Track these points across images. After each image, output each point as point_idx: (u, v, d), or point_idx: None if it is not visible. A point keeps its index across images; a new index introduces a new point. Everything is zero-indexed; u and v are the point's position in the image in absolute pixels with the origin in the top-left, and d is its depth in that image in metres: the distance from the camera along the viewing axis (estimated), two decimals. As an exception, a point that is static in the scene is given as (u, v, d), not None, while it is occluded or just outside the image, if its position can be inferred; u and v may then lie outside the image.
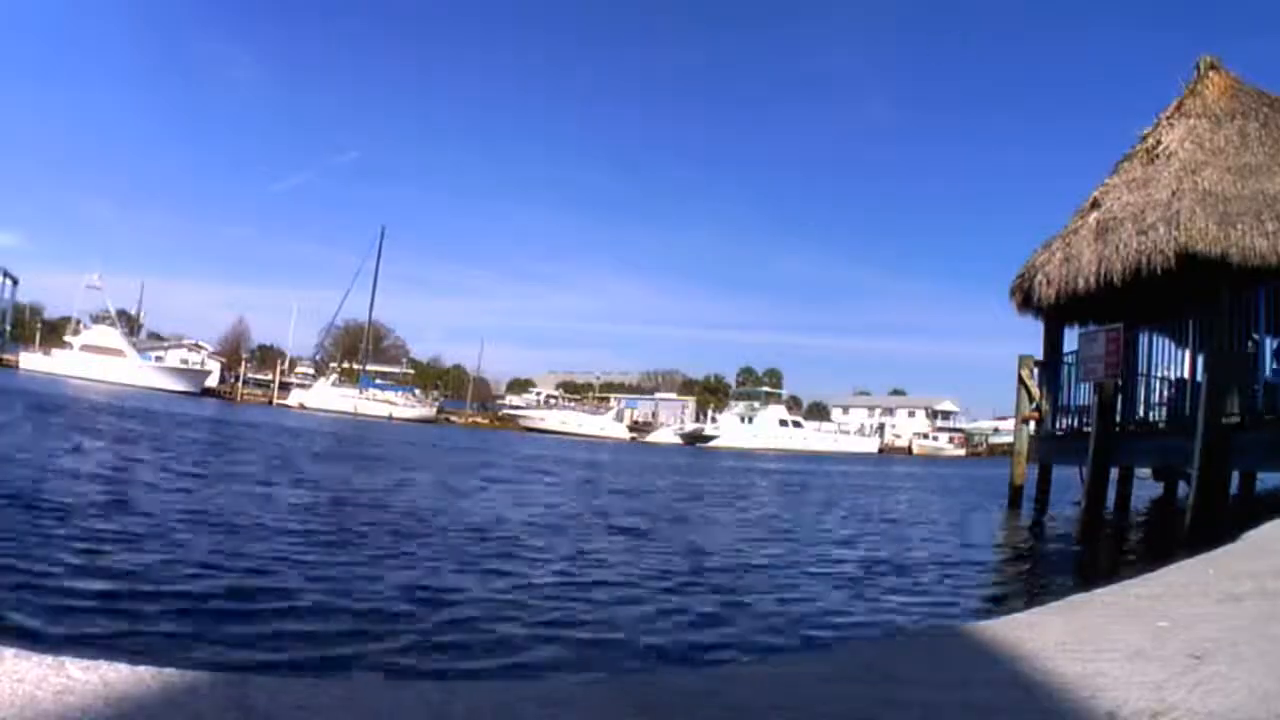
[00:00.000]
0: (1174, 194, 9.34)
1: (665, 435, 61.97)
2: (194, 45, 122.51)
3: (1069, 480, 10.78)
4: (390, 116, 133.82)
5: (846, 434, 70.89)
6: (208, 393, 51.80)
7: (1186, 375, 9.26)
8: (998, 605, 5.80)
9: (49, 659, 1.12)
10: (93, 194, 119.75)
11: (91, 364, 48.38)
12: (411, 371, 74.43)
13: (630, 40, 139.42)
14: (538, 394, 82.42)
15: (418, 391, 65.55)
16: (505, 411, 68.84)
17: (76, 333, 52.17)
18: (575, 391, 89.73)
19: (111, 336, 51.50)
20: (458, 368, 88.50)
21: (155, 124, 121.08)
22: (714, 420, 64.24)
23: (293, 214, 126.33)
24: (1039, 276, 10.65)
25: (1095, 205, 10.53)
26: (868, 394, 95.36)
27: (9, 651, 1.12)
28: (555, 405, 72.66)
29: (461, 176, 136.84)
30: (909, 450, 69.39)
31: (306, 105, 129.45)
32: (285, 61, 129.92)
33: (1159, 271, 8.96)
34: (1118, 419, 9.58)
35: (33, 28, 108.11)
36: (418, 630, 4.07)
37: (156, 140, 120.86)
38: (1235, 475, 9.27)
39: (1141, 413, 10.01)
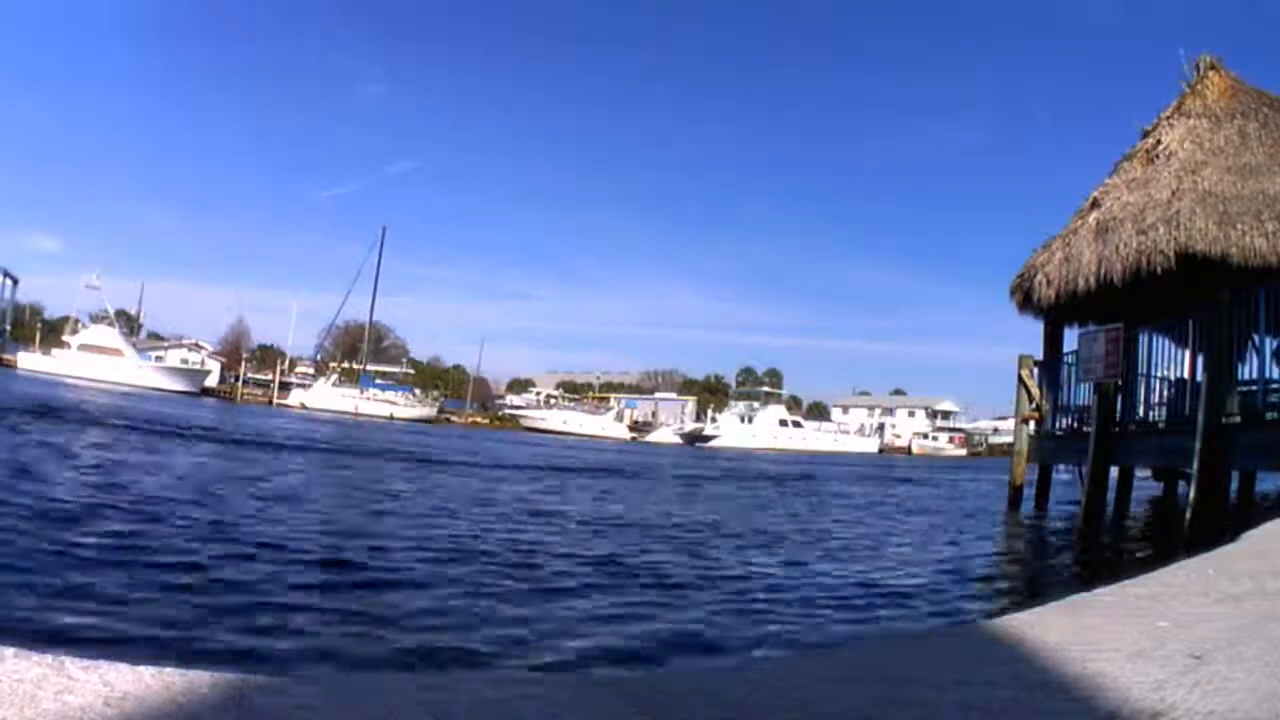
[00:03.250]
0: (1174, 194, 9.34)
1: (665, 435, 62.00)
2: (330, 58, 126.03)
3: (1069, 480, 10.78)
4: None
5: (846, 434, 70.89)
6: (207, 392, 51.80)
7: (1186, 375, 9.26)
8: (997, 605, 5.80)
9: (49, 658, 1.12)
10: (135, 203, 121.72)
11: (90, 364, 48.36)
12: (412, 371, 74.44)
13: (629, 41, 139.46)
14: (538, 394, 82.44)
15: (418, 391, 65.57)
16: (506, 411, 68.90)
17: (75, 332, 52.16)
18: (575, 391, 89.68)
19: (110, 336, 51.50)
20: (458, 368, 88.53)
21: (215, 136, 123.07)
22: (714, 420, 64.27)
23: (305, 216, 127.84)
24: (1039, 276, 10.66)
25: (1095, 205, 10.53)
26: (868, 394, 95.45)
27: (9, 651, 1.12)
28: (555, 405, 72.70)
29: (462, 178, 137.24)
30: (909, 450, 69.40)
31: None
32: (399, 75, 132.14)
33: (1159, 271, 8.96)
34: (1118, 419, 9.58)
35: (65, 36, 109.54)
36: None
37: (207, 150, 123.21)
38: (1235, 475, 9.28)
39: (1141, 413, 10.01)
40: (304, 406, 51.68)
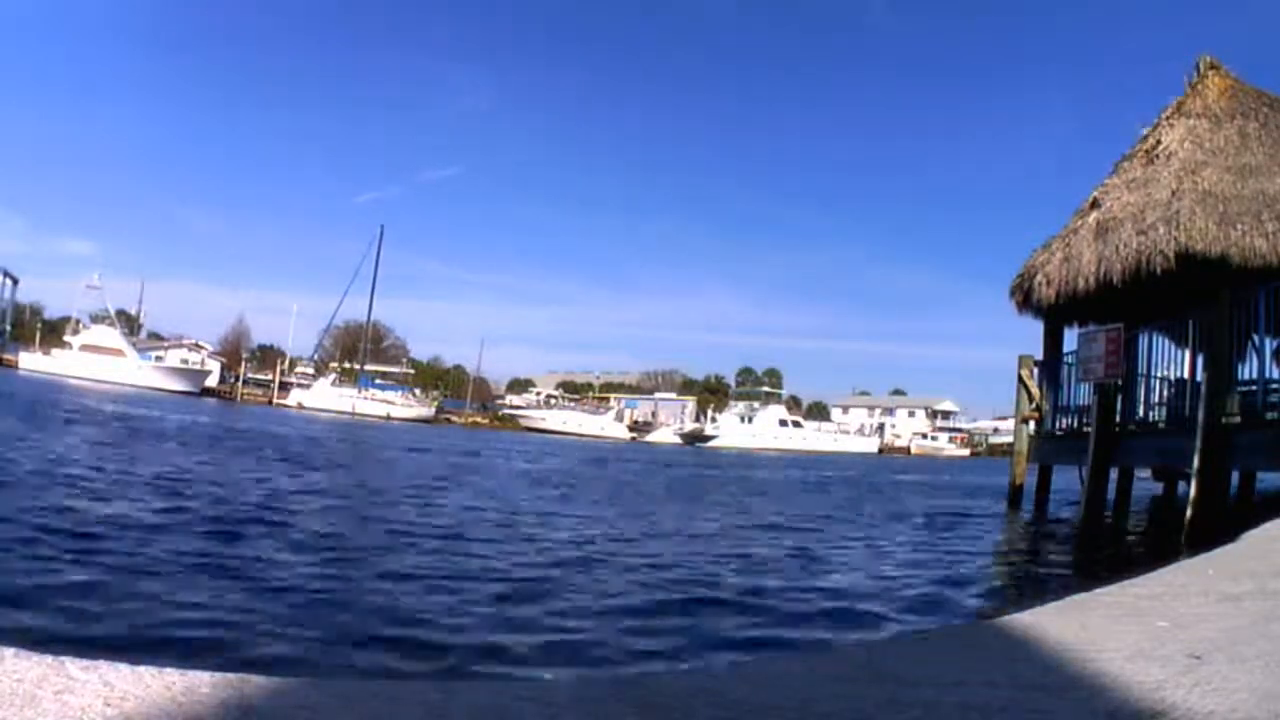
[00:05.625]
0: (1174, 194, 9.33)
1: (665, 435, 61.99)
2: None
3: (1069, 480, 10.78)
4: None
5: (846, 434, 70.89)
6: (207, 392, 51.77)
7: (1186, 375, 9.26)
8: (997, 605, 5.80)
9: (49, 659, 1.12)
10: (183, 211, 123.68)
11: (91, 364, 48.36)
12: (412, 371, 74.40)
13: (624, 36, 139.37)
14: (538, 394, 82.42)
15: (417, 391, 65.54)
16: (505, 411, 68.86)
17: (76, 333, 52.13)
18: (575, 391, 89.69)
19: (111, 336, 51.48)
20: (458, 368, 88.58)
21: (258, 140, 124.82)
22: (714, 420, 64.26)
23: (330, 220, 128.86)
24: (1039, 276, 10.66)
25: (1095, 205, 10.53)
26: (868, 394, 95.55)
27: (9, 651, 1.12)
28: (555, 405, 72.69)
29: (485, 181, 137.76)
30: (908, 450, 69.41)
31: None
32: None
33: (1159, 272, 8.96)
34: (1117, 419, 9.58)
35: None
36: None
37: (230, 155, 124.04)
38: (1235, 475, 9.28)
39: (1141, 413, 10.01)
40: (301, 406, 51.66)
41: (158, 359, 53.75)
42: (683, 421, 70.04)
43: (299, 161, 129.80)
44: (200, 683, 1.14)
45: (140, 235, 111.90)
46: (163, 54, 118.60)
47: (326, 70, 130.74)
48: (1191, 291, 8.64)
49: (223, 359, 61.63)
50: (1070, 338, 11.76)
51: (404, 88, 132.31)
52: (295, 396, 54.56)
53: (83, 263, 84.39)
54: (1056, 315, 11.63)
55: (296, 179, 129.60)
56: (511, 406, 73.38)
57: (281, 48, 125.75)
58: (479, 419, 64.10)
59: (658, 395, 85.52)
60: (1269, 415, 7.72)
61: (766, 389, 74.73)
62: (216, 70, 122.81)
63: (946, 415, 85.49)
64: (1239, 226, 8.63)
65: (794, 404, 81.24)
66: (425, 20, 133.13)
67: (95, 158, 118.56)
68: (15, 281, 55.88)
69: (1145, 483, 13.55)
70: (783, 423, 63.62)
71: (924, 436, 74.47)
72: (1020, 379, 12.07)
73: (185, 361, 55.61)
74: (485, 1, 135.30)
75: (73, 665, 1.11)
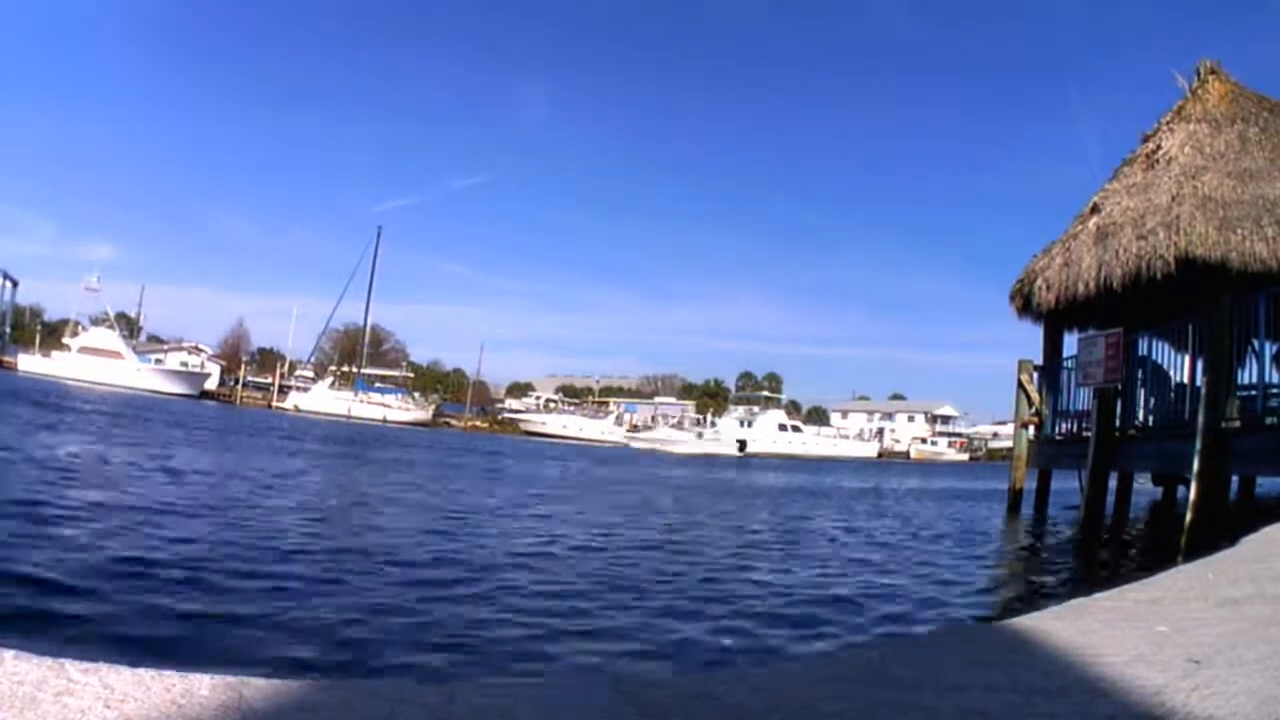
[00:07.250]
0: (1174, 199, 9.35)
1: (665, 438, 62.01)
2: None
3: (1069, 485, 10.77)
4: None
5: (846, 439, 70.89)
6: (206, 395, 51.74)
7: (1186, 380, 9.25)
8: (997, 610, 5.79)
9: (49, 661, 1.12)
10: (217, 216, 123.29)
11: (90, 366, 48.30)
12: (411, 375, 74.39)
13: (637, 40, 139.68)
14: (537, 398, 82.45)
15: (416, 395, 65.49)
16: (505, 415, 68.87)
17: (75, 335, 52.09)
18: (574, 395, 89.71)
19: (110, 339, 51.39)
20: (458, 371, 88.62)
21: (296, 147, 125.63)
22: (713, 424, 64.23)
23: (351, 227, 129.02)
24: (1039, 281, 10.66)
25: (1095, 210, 10.54)
26: (867, 399, 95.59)
27: (9, 653, 1.12)
28: (555, 409, 72.70)
29: (482, 189, 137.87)
30: (907, 455, 69.40)
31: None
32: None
33: (1158, 276, 8.97)
34: (1117, 423, 9.57)
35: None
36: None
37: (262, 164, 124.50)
38: (1234, 480, 9.26)
39: (1141, 417, 10.00)
40: (298, 409, 51.60)
41: (157, 361, 53.69)
42: (682, 426, 70.02)
43: (318, 168, 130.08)
44: (199, 685, 1.14)
45: (159, 241, 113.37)
46: (186, 58, 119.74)
47: (356, 81, 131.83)
48: (1191, 296, 8.64)
49: (222, 362, 61.62)
50: (1070, 342, 11.76)
51: (426, 95, 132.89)
52: (291, 400, 54.51)
53: (104, 267, 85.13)
54: (1056, 320, 11.62)
55: (313, 185, 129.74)
56: (511, 410, 73.39)
57: (284, 50, 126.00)
58: (478, 422, 64.08)
59: (657, 399, 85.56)
60: (1268, 420, 7.71)
61: (766, 393, 74.71)
62: (228, 76, 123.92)
63: (946, 420, 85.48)
64: (1239, 231, 8.64)
65: (793, 409, 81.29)
66: (425, 22, 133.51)
67: (122, 164, 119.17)
68: (15, 284, 55.90)
69: (1145, 487, 13.54)
70: (782, 427, 63.57)
71: (923, 441, 74.47)
72: (1020, 383, 12.06)
73: (185, 364, 55.61)
74: (499, 4, 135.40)
75: (72, 667, 1.11)
